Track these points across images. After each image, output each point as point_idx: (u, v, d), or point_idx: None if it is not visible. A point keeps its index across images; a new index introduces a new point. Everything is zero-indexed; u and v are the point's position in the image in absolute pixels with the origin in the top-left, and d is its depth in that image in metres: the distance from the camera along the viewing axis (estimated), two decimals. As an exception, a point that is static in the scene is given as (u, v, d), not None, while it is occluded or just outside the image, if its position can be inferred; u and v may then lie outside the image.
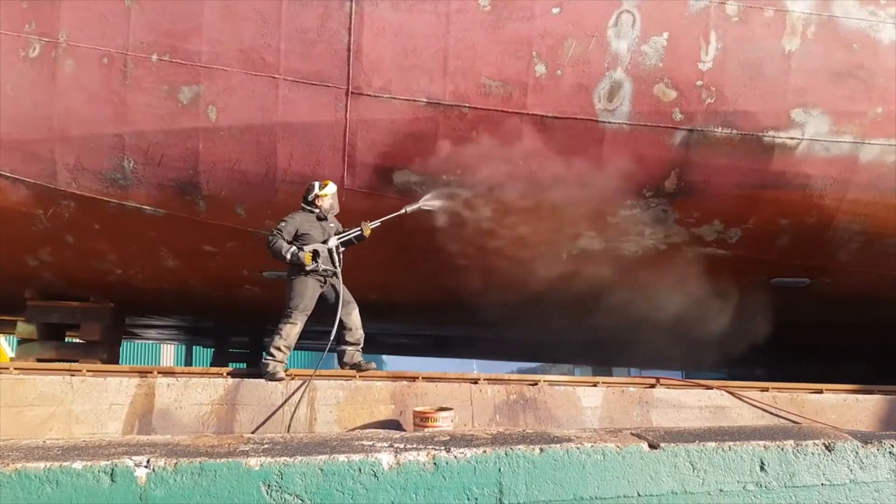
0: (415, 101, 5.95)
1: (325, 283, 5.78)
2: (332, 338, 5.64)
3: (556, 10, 5.80)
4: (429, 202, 6.14)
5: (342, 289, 5.73)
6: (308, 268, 5.59)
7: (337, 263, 5.74)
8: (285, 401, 5.38)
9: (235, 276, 7.67)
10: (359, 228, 5.81)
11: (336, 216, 6.01)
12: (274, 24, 6.00)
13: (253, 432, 5.19)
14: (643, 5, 5.81)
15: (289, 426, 5.28)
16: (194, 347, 18.33)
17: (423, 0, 5.85)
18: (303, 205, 5.89)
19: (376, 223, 5.88)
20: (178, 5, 6.16)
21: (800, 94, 5.95)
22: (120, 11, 6.20)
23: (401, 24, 5.89)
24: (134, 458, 2.35)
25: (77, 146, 6.43)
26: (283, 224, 5.69)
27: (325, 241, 5.74)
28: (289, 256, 5.57)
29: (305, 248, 5.61)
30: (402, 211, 5.99)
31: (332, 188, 5.90)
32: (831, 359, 9.81)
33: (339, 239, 5.78)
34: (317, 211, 5.86)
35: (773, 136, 6.02)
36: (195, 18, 6.12)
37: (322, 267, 5.65)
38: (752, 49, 5.88)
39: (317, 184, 5.89)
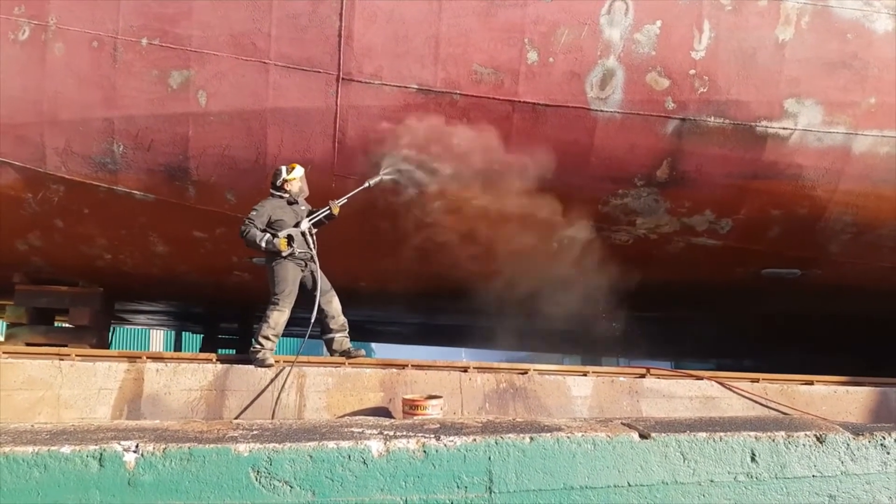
0: (406, 87, 5.91)
1: (305, 267, 5.76)
2: (311, 323, 5.62)
3: (549, -3, 5.77)
4: (389, 173, 6.09)
5: (320, 276, 5.71)
6: (285, 253, 5.56)
7: (311, 245, 5.71)
8: (274, 387, 5.37)
9: (225, 262, 7.63)
10: (327, 208, 5.77)
11: (307, 199, 5.96)
12: (265, 9, 5.94)
13: (237, 417, 5.19)
14: (637, -7, 5.78)
15: (274, 412, 5.27)
16: (184, 333, 18.29)
17: (416, -14, 5.80)
18: (272, 191, 5.83)
19: (343, 200, 5.83)
20: (169, -11, 6.09)
21: (793, 84, 5.94)
22: (110, -6, 6.13)
23: (392, 9, 5.84)
24: (123, 443, 2.33)
25: (66, 130, 6.37)
26: (254, 213, 5.64)
27: (297, 225, 5.70)
28: (264, 244, 5.53)
29: (279, 234, 5.57)
30: (366, 185, 5.94)
31: (299, 171, 5.84)
32: (822, 349, 9.88)
33: (309, 221, 5.74)
34: (287, 195, 5.81)
35: (766, 127, 6.02)
36: (186, 2, 6.05)
37: (298, 250, 5.62)
38: (746, 38, 5.86)
39: (283, 168, 5.83)
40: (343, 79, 5.94)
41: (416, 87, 5.91)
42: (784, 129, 6.04)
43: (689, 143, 6.07)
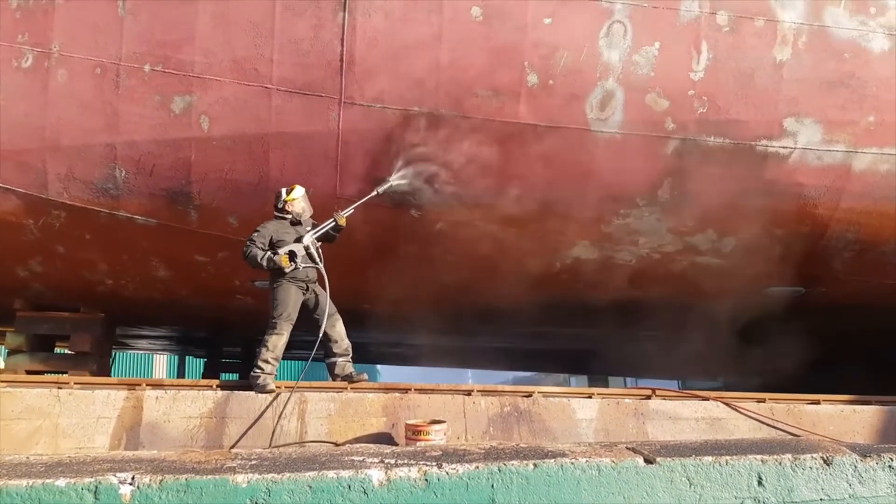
0: (407, 110, 5.93)
1: (307, 290, 5.73)
2: (315, 347, 5.60)
3: (547, 21, 5.80)
4: (398, 180, 6.09)
5: (323, 297, 5.70)
6: (287, 270, 5.53)
7: (318, 260, 5.69)
8: (275, 413, 5.32)
9: (227, 285, 7.62)
10: (332, 220, 5.76)
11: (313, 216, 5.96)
12: (267, 34, 5.98)
13: (233, 446, 5.13)
14: (634, 15, 5.82)
15: (275, 439, 5.21)
16: (187, 358, 18.22)
17: (416, 10, 5.84)
18: (275, 213, 5.84)
19: (349, 210, 5.84)
20: (171, 15, 6.13)
21: (792, 104, 5.96)
22: (113, 22, 6.16)
23: (393, 33, 5.87)
24: (118, 474, 2.30)
25: (69, 156, 6.39)
26: (255, 234, 5.65)
27: (299, 241, 5.67)
28: (265, 263, 5.51)
29: (280, 250, 5.55)
30: (374, 193, 5.95)
31: (299, 191, 5.84)
32: (829, 368, 9.79)
33: (313, 234, 5.71)
34: (289, 216, 5.81)
35: (766, 146, 6.03)
36: (188, 28, 6.09)
37: (302, 266, 5.59)
38: (744, 59, 5.89)
39: (283, 190, 5.85)
40: (345, 102, 5.96)
41: (417, 109, 5.93)
42: (784, 147, 6.04)
43: (689, 163, 6.07)
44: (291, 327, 5.65)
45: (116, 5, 6.13)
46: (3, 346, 13.15)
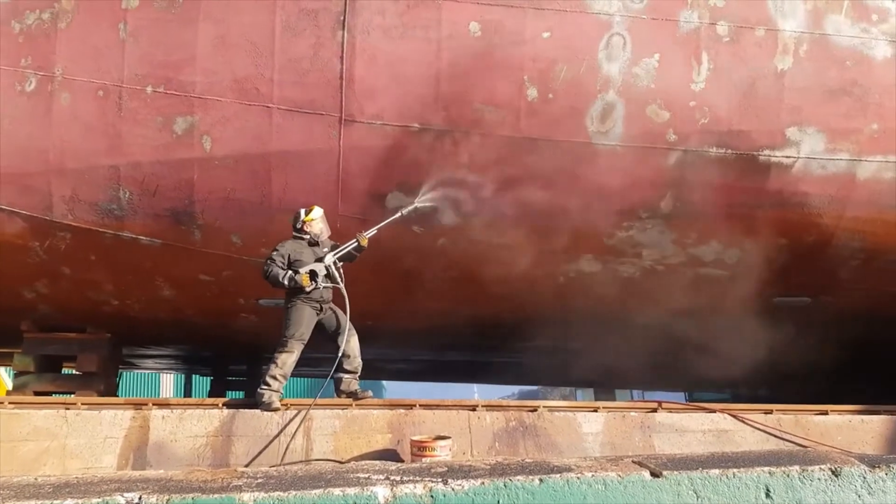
0: (408, 127, 5.95)
1: (321, 310, 5.74)
2: (334, 368, 5.66)
3: (546, 35, 5.83)
4: (424, 201, 6.12)
5: (339, 313, 5.73)
6: (308, 289, 5.55)
7: (339, 280, 5.70)
8: (281, 431, 5.31)
9: (232, 304, 7.63)
10: (354, 240, 5.78)
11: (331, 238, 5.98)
12: (267, 54, 6.03)
13: (247, 465, 5.12)
14: (634, 27, 5.84)
15: (284, 457, 5.20)
16: (193, 376, 18.21)
17: (415, 27, 5.88)
18: (294, 233, 5.87)
19: (372, 231, 5.86)
20: (172, 37, 6.19)
21: (794, 113, 5.96)
22: (115, 45, 6.23)
23: (393, 51, 5.91)
24: (126, 494, 2.30)
25: (73, 178, 6.43)
26: (275, 253, 5.67)
27: (319, 261, 5.69)
28: (286, 281, 5.53)
29: (301, 269, 5.57)
30: (398, 215, 5.98)
31: (317, 212, 5.87)
32: (835, 378, 9.72)
33: (335, 255, 5.73)
34: (307, 237, 5.83)
35: (769, 155, 6.02)
36: (189, 50, 6.15)
37: (322, 285, 5.60)
38: (745, 69, 5.90)
39: (302, 210, 5.87)
40: (345, 120, 5.99)
41: (417, 126, 5.95)
42: (787, 157, 6.03)
43: (692, 174, 6.07)
44: (303, 347, 5.66)
45: (118, 28, 6.19)
46: (10, 368, 13.17)
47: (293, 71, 6.01)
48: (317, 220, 5.85)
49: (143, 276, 7.16)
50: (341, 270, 5.77)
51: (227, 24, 6.09)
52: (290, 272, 5.56)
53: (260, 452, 5.22)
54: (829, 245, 6.50)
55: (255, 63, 6.04)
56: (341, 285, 5.69)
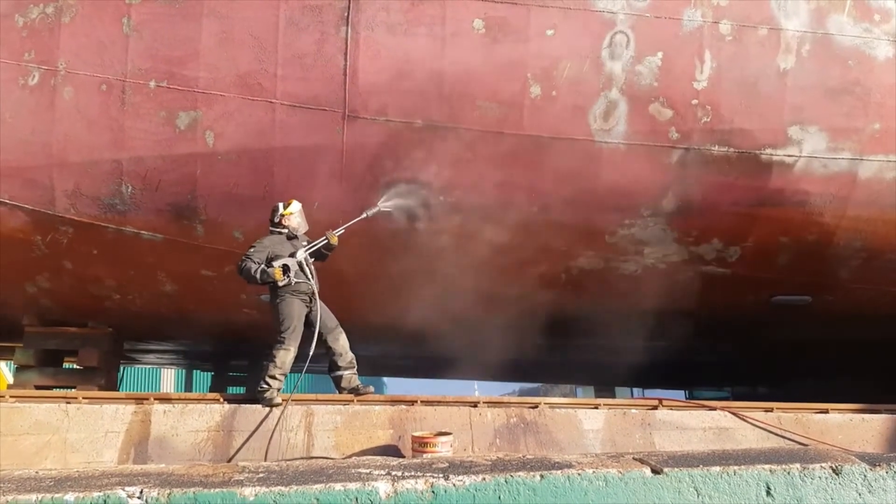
0: (411, 123, 5.95)
1: (310, 302, 5.74)
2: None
3: (550, 32, 5.83)
4: (386, 203, 6.12)
5: (323, 311, 5.73)
6: (281, 283, 5.52)
7: (310, 276, 5.70)
8: (282, 426, 5.31)
9: (233, 299, 7.62)
10: (324, 238, 5.78)
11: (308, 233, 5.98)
12: (271, 49, 6.02)
13: (231, 458, 5.12)
14: (637, 26, 5.84)
15: (284, 452, 5.21)
16: (194, 371, 18.22)
17: (419, 23, 5.88)
18: (271, 227, 5.86)
19: (340, 230, 5.85)
20: (176, 32, 6.18)
21: (796, 112, 5.96)
22: (118, 39, 6.22)
23: (396, 47, 5.91)
24: (127, 488, 2.31)
25: (76, 172, 6.42)
26: (252, 249, 5.65)
27: (292, 255, 5.68)
28: (259, 275, 5.50)
29: (274, 263, 5.54)
30: (363, 215, 5.97)
31: (296, 206, 5.86)
32: (836, 376, 9.73)
33: (306, 250, 5.72)
34: (285, 231, 5.83)
35: (771, 154, 6.02)
36: (193, 45, 6.14)
37: (294, 280, 5.59)
38: (747, 67, 5.90)
39: (281, 204, 5.86)
40: (349, 116, 5.99)
41: (420, 122, 5.95)
42: (789, 156, 6.04)
43: (694, 173, 6.07)
44: (299, 341, 5.66)
45: (121, 22, 6.19)
46: (12, 362, 13.17)
47: (297, 66, 6.00)
48: (295, 214, 5.85)
49: (144, 270, 7.15)
50: (313, 268, 5.77)
51: (231, 20, 6.08)
52: (262, 266, 5.53)
53: (262, 448, 5.23)
54: (831, 244, 6.50)
55: (259, 58, 6.04)
56: (312, 282, 5.70)
